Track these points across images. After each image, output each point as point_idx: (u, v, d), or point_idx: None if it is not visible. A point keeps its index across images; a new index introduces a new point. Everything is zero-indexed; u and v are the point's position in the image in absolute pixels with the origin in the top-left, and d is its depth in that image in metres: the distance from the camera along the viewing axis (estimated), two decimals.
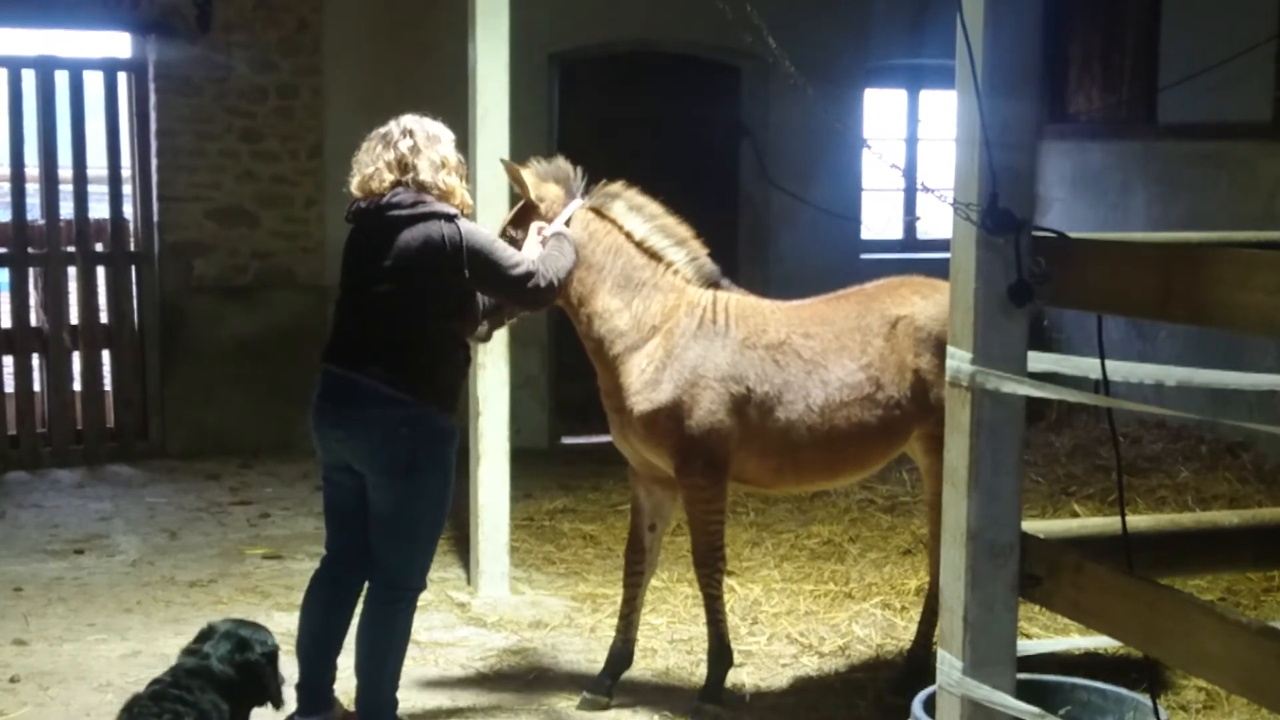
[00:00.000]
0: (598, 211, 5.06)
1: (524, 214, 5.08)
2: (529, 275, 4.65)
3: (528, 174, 5.05)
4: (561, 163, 5.14)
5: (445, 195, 4.59)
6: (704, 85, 9.90)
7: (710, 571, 5.14)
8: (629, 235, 5.06)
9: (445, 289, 4.55)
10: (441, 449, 4.58)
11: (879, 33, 10.05)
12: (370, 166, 4.59)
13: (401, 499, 4.55)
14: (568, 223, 5.00)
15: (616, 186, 5.13)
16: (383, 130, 4.65)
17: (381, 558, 4.62)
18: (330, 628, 4.79)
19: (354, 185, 4.64)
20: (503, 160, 5.37)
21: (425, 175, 4.56)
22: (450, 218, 4.53)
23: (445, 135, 4.68)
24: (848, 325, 5.11)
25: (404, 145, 4.57)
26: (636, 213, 5.10)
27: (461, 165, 4.71)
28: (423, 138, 4.60)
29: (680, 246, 5.12)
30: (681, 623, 6.05)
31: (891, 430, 5.10)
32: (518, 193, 5.16)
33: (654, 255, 5.07)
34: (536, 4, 7.25)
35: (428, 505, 4.58)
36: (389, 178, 4.55)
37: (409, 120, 4.66)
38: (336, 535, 4.78)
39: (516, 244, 4.93)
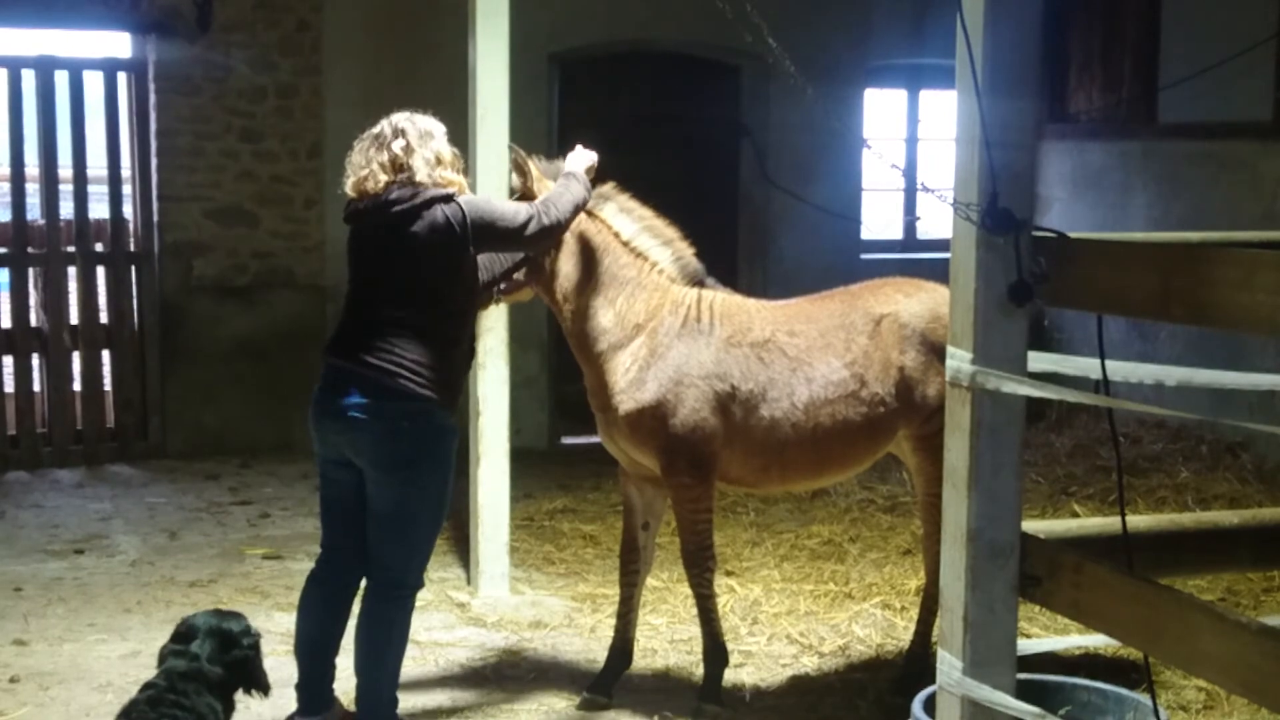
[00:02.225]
0: (588, 212, 5.06)
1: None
2: (528, 221, 4.67)
3: (534, 165, 5.05)
4: (560, 163, 5.14)
5: (445, 188, 4.60)
6: (704, 85, 9.89)
7: (700, 571, 5.14)
8: (616, 234, 5.08)
9: (452, 276, 4.56)
10: (442, 445, 4.57)
11: (879, 33, 10.05)
12: (364, 168, 4.58)
13: (400, 495, 4.54)
14: None
15: (608, 189, 5.14)
16: (374, 131, 4.64)
17: (379, 555, 4.61)
18: (327, 627, 4.77)
19: (348, 186, 4.63)
20: (511, 146, 5.29)
21: (421, 175, 4.55)
22: (448, 198, 4.55)
23: (438, 130, 4.68)
24: (832, 323, 5.11)
25: (397, 146, 4.56)
26: (626, 215, 5.12)
27: (457, 159, 4.71)
28: (415, 136, 4.59)
29: (666, 246, 5.14)
30: (681, 623, 6.05)
31: (877, 428, 5.10)
32: (515, 187, 5.15)
33: (639, 254, 5.09)
34: (536, 4, 7.25)
35: (427, 502, 4.57)
36: (384, 178, 4.55)
37: (400, 119, 4.64)
38: (333, 532, 4.77)
39: None
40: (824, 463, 5.17)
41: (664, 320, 5.02)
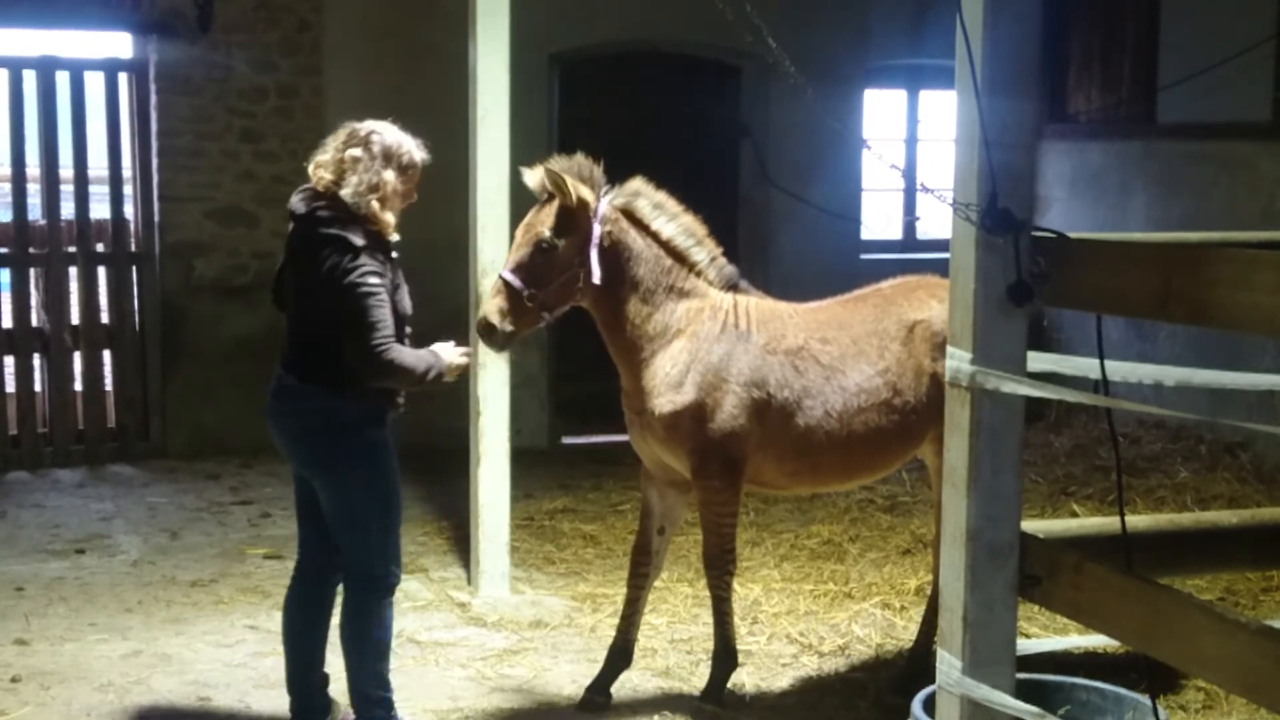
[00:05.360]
0: (627, 212, 5.01)
1: (566, 219, 4.88)
2: (383, 346, 4.40)
3: (570, 178, 4.87)
4: (581, 159, 4.99)
5: (368, 219, 4.49)
6: (704, 85, 9.90)
7: (720, 573, 5.17)
8: (656, 236, 5.04)
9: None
10: (358, 443, 4.56)
11: (879, 33, 10.05)
12: (325, 154, 4.56)
13: (336, 495, 4.61)
14: (601, 237, 4.92)
15: (637, 184, 5.08)
16: (355, 126, 4.58)
17: (343, 552, 4.69)
18: (305, 630, 4.85)
19: (310, 164, 4.60)
20: (546, 168, 4.94)
21: (347, 192, 4.46)
22: (356, 251, 4.41)
23: (406, 158, 4.53)
24: (865, 330, 5.13)
25: (351, 153, 4.49)
26: (660, 210, 5.06)
27: (396, 196, 4.54)
28: (375, 152, 4.49)
29: (701, 247, 5.12)
30: (681, 623, 6.06)
31: (907, 434, 5.13)
32: (538, 194, 4.97)
33: (680, 257, 5.07)
34: (536, 4, 7.25)
35: (366, 500, 4.59)
36: (327, 178, 4.52)
37: (375, 128, 4.55)
38: (304, 533, 4.86)
39: (556, 251, 4.83)
40: (855, 468, 5.23)
41: (703, 324, 5.03)
